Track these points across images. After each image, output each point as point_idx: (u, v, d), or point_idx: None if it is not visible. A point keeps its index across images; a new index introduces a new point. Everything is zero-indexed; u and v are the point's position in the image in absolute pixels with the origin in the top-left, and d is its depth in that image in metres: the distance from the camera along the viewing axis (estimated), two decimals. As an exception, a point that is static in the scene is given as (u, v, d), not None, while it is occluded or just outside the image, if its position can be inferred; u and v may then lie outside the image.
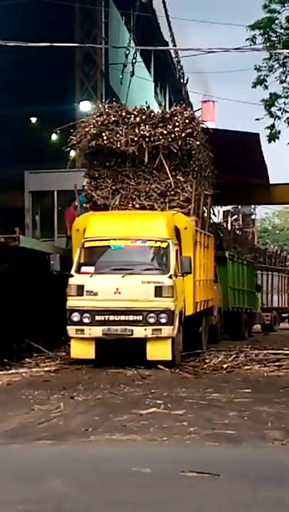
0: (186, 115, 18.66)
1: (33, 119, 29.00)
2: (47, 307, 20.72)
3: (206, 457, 8.09)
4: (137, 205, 18.47)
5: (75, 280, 16.04)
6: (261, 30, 20.13)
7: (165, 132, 18.38)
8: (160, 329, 15.67)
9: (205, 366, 16.54)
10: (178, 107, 19.13)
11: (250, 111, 24.01)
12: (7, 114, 22.52)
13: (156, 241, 16.55)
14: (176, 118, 18.56)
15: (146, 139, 18.36)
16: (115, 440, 8.86)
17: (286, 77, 20.73)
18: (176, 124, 18.43)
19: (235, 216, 57.17)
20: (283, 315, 37.58)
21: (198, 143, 18.67)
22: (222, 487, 6.80)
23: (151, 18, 29.80)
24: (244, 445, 8.61)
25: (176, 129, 18.37)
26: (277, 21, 20.38)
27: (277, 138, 20.79)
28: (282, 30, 20.39)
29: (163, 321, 15.68)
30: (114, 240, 16.59)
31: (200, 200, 19.20)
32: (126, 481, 6.94)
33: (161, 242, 16.53)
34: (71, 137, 18.85)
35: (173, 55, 36.16)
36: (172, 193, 18.53)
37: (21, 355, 18.14)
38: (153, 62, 33.35)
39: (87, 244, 16.64)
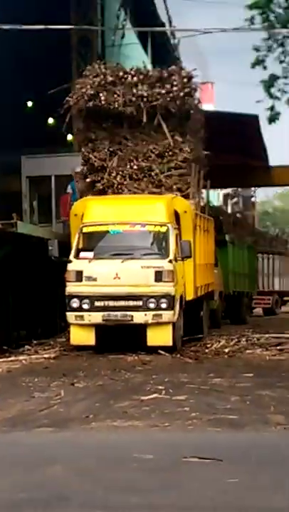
0: (183, 75, 18.60)
1: (29, 103, 28.83)
2: (46, 293, 20.65)
3: (208, 442, 8.04)
4: (135, 167, 18.43)
5: (73, 266, 15.94)
6: (260, 10, 19.94)
7: (163, 92, 18.35)
8: (160, 314, 15.59)
9: (206, 351, 16.49)
10: (175, 67, 19.03)
11: (250, 92, 23.86)
12: (3, 98, 22.37)
13: (156, 225, 16.44)
14: (173, 78, 18.53)
15: (144, 99, 18.33)
16: (116, 426, 8.80)
17: (285, 57, 20.56)
18: (174, 83, 18.37)
19: (236, 199, 57.07)
20: (285, 298, 37.55)
21: (196, 102, 18.64)
22: (224, 472, 6.73)
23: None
24: (246, 430, 8.55)
25: (174, 88, 18.34)
26: (275, 1, 20.19)
27: (277, 119, 20.64)
28: (280, 10, 20.20)
29: (163, 306, 15.60)
30: (113, 224, 16.48)
31: (199, 160, 19.12)
32: (127, 467, 6.90)
33: (161, 226, 16.41)
34: (67, 98, 18.71)
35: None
36: (170, 153, 18.49)
37: (21, 342, 18.10)
38: (150, 44, 33.17)
39: (85, 230, 16.53)
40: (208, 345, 17.13)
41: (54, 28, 18.00)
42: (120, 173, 18.57)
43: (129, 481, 6.51)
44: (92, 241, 16.49)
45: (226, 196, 53.52)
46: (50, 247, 16.66)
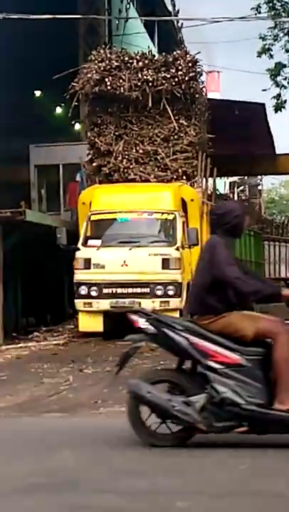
0: (188, 59, 18.68)
1: (37, 93, 28.84)
2: (54, 281, 20.76)
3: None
4: (141, 151, 18.53)
5: (82, 253, 16.04)
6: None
7: (168, 76, 18.44)
8: (168, 301, 15.68)
9: (213, 337, 16.54)
10: (180, 51, 19.11)
11: (256, 81, 23.87)
12: (11, 88, 22.42)
13: (163, 213, 16.52)
14: (178, 62, 18.63)
15: (150, 84, 18.42)
16: (125, 412, 8.87)
17: (291, 45, 20.55)
18: (179, 68, 18.45)
19: (242, 187, 56.94)
20: (291, 285, 37.49)
21: (201, 86, 18.73)
22: (231, 457, 6.81)
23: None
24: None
25: (180, 72, 18.43)
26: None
27: (284, 108, 20.66)
28: (287, -1, 20.19)
29: (170, 293, 15.69)
30: (120, 212, 16.56)
31: (204, 143, 19.21)
32: (135, 452, 6.96)
33: (168, 214, 16.49)
34: (73, 83, 18.80)
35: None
36: (175, 137, 18.58)
37: (30, 329, 18.22)
38: (157, 33, 33.11)
39: (93, 218, 16.62)
40: (215, 332, 17.19)
41: (62, 18, 18.06)
42: (126, 157, 18.68)
43: (137, 466, 6.59)
44: (100, 229, 16.59)
45: (233, 184, 53.44)
46: (58, 235, 16.74)
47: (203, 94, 19.69)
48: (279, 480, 6.10)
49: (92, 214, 16.66)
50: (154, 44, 32.87)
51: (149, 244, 16.11)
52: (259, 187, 58.70)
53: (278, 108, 20.65)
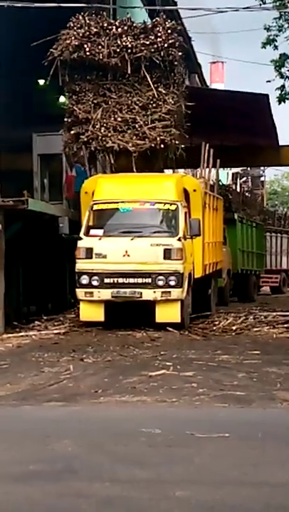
0: (167, 25, 18.57)
1: (41, 81, 28.75)
2: (56, 270, 20.77)
3: (215, 418, 8.14)
4: (119, 119, 18.48)
5: (83, 243, 16.04)
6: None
7: (147, 43, 18.33)
8: (169, 292, 15.69)
9: (214, 328, 16.59)
10: (159, 18, 19.00)
11: (260, 72, 23.83)
12: (14, 77, 22.36)
13: (165, 203, 16.51)
14: (157, 29, 18.48)
15: (128, 51, 18.30)
16: (125, 401, 8.92)
17: (296, 36, 20.47)
18: (158, 34, 18.36)
19: (244, 178, 56.93)
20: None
21: (180, 53, 18.64)
22: (231, 447, 6.85)
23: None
24: (253, 406, 8.66)
25: (159, 39, 18.32)
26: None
27: (288, 99, 20.60)
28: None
29: (172, 283, 15.70)
30: (123, 202, 16.55)
31: (181, 113, 19.15)
32: (136, 442, 7.00)
33: (170, 204, 16.48)
34: (51, 50, 18.72)
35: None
36: (154, 105, 18.53)
37: (31, 317, 18.23)
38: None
39: (95, 207, 16.61)
40: (216, 323, 17.24)
41: (66, 7, 17.99)
42: (104, 125, 18.61)
43: (137, 455, 6.62)
44: (103, 219, 16.58)
45: (235, 175, 53.41)
46: (60, 225, 16.75)
47: (182, 64, 19.54)
48: (280, 470, 6.13)
49: (94, 203, 16.66)
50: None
51: (151, 235, 16.10)
52: (262, 178, 58.70)
53: (282, 99, 20.60)
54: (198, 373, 10.59)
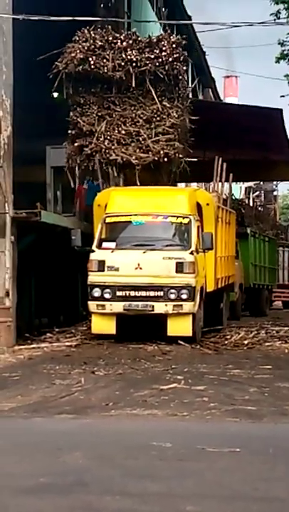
0: (172, 40, 18.66)
1: (55, 94, 28.87)
2: (68, 282, 20.79)
3: (226, 432, 8.12)
4: (123, 132, 18.54)
5: (96, 255, 16.06)
6: (285, 5, 19.94)
7: (152, 57, 18.40)
8: (181, 305, 15.68)
9: (226, 342, 16.57)
10: (164, 33, 19.10)
11: (274, 86, 23.86)
12: (29, 89, 22.44)
13: (178, 217, 16.52)
14: (162, 43, 18.58)
15: (133, 64, 18.38)
16: (136, 415, 8.91)
17: (309, 51, 20.52)
18: (163, 48, 18.44)
19: (257, 192, 56.95)
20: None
21: (184, 68, 18.71)
22: (242, 462, 6.83)
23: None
24: (264, 421, 8.63)
25: (163, 53, 18.40)
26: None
27: (301, 114, 20.62)
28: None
29: (184, 297, 15.69)
30: (135, 215, 16.57)
31: (185, 127, 19.20)
32: (146, 455, 6.98)
33: (183, 217, 16.50)
34: (56, 63, 18.82)
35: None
36: (158, 119, 18.59)
37: (43, 329, 18.24)
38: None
39: (108, 220, 16.64)
40: (228, 337, 17.21)
41: (81, 20, 18.09)
42: (108, 137, 18.69)
43: (148, 468, 6.59)
44: (115, 231, 16.60)
45: (248, 189, 53.43)
46: (73, 237, 16.77)
47: (186, 78, 19.63)
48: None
49: (107, 216, 16.68)
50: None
51: (164, 248, 16.11)
52: (275, 193, 58.70)
53: (296, 114, 20.61)
54: (209, 387, 10.57)
